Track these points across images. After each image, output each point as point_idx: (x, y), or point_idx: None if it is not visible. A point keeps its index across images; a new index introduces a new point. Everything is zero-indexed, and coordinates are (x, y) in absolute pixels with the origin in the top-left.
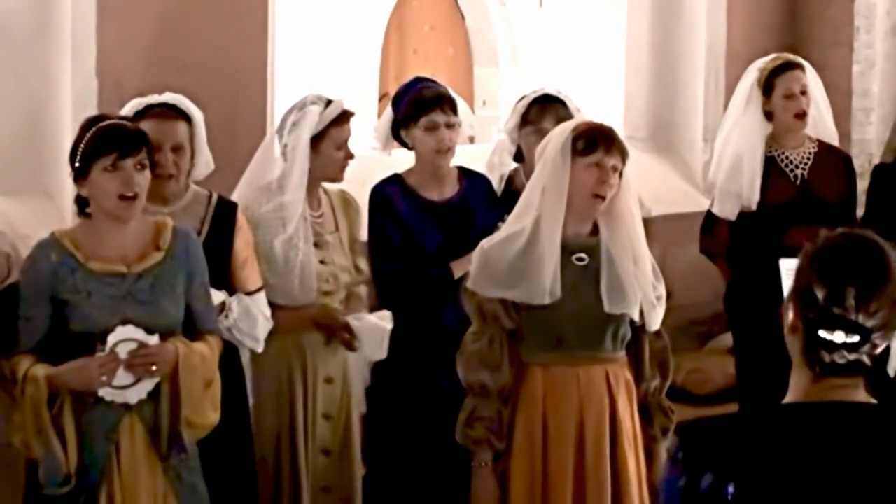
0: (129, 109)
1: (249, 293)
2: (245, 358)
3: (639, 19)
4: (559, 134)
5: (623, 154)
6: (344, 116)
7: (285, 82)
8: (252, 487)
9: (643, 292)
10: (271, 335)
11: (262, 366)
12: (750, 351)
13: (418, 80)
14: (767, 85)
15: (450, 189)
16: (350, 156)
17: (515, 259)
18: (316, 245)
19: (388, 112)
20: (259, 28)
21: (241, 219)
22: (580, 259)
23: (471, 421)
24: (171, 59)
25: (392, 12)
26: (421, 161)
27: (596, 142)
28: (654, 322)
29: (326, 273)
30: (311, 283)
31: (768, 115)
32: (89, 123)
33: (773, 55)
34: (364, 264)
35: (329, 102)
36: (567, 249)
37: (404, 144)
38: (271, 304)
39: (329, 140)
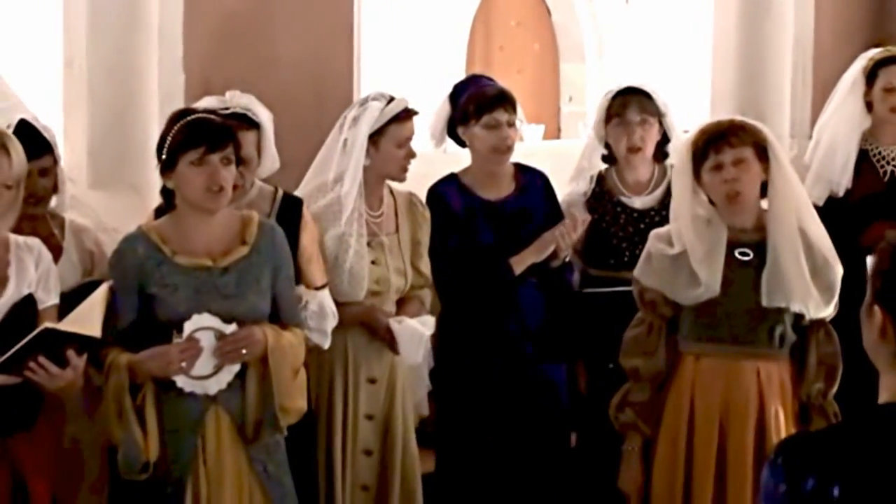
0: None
1: (316, 289)
2: None
3: (726, 14)
4: (682, 145)
5: (746, 143)
6: (405, 114)
7: (370, 79)
8: (314, 485)
9: (808, 286)
10: None
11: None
12: None
13: (476, 78)
14: (871, 75)
15: (506, 188)
16: (411, 155)
17: (674, 257)
18: (369, 245)
19: (445, 108)
20: (345, 24)
21: (307, 214)
22: (744, 254)
23: (622, 405)
24: (257, 54)
25: (478, 8)
26: (478, 159)
27: (706, 146)
28: (819, 312)
29: (377, 274)
30: (360, 281)
31: (868, 106)
32: (177, 117)
33: (886, 47)
34: (426, 268)
35: (392, 100)
36: (730, 245)
37: (459, 142)
38: None
39: (389, 137)
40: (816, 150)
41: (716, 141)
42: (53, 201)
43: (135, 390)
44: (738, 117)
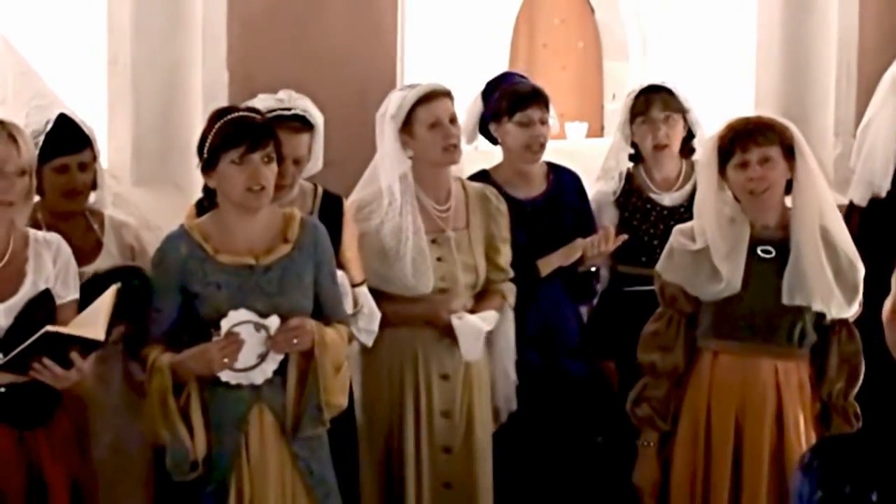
0: (260, 106)
1: (355, 286)
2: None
3: (769, 11)
4: (708, 140)
5: (773, 142)
6: (430, 96)
7: (414, 77)
8: (353, 482)
9: (831, 285)
10: (382, 327)
11: (373, 358)
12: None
13: (509, 74)
14: None
15: (538, 186)
16: (449, 135)
17: (696, 253)
18: (434, 241)
19: (477, 104)
20: (388, 22)
21: (348, 212)
22: (766, 251)
23: (639, 399)
24: (300, 52)
25: (521, 6)
26: (510, 157)
27: (733, 143)
28: (842, 312)
29: (442, 270)
30: (426, 274)
31: None
32: (217, 115)
33: None
34: (504, 262)
35: (417, 85)
36: (753, 242)
37: (490, 139)
38: (383, 294)
39: (418, 122)
40: (859, 152)
41: (743, 138)
42: (92, 197)
43: (178, 389)
44: (766, 115)
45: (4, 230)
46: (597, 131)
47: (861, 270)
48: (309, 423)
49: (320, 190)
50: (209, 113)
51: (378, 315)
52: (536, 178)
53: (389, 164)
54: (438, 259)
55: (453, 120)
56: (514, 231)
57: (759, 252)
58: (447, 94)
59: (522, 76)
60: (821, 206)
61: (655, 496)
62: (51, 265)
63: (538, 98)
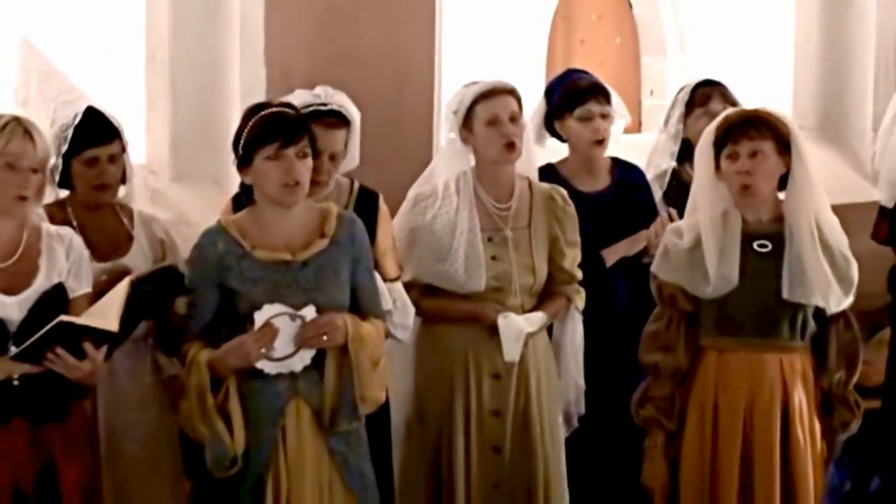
0: (297, 106)
1: (389, 281)
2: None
3: (808, 7)
4: (706, 133)
5: (766, 136)
6: (490, 93)
7: (452, 73)
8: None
9: (829, 280)
10: (433, 324)
11: (424, 356)
12: None
13: (571, 72)
14: None
15: (602, 181)
16: (508, 133)
17: (690, 249)
18: (490, 240)
19: (541, 104)
20: (426, 18)
21: (384, 207)
22: (762, 245)
23: (643, 401)
24: (338, 48)
25: (559, 2)
26: (575, 152)
27: (726, 134)
28: (840, 305)
29: (497, 269)
30: (478, 272)
31: None
32: (251, 112)
33: None
34: (569, 264)
35: (479, 82)
36: (748, 237)
37: (557, 136)
38: (435, 290)
39: (477, 118)
40: (882, 154)
41: (734, 130)
42: (122, 191)
43: (217, 385)
44: (765, 108)
45: (17, 224)
46: (634, 127)
47: (854, 264)
48: (344, 417)
49: (356, 185)
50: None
51: (412, 310)
52: (601, 173)
53: (448, 159)
54: (493, 258)
55: (514, 118)
56: (579, 224)
57: (755, 247)
58: (510, 92)
59: (585, 72)
60: (814, 202)
61: (665, 496)
62: (64, 259)
63: (597, 92)
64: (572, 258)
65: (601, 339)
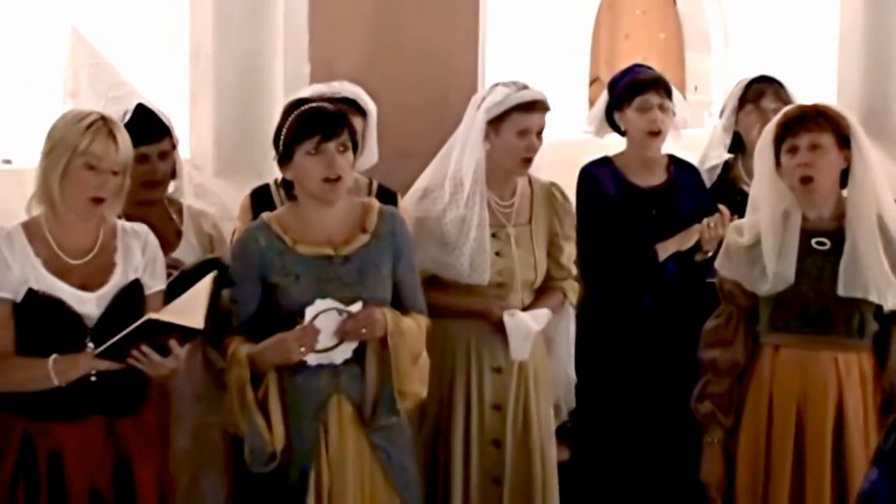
0: (310, 94)
1: None
2: None
3: (852, 2)
4: (767, 126)
5: (826, 129)
6: (532, 105)
7: (495, 70)
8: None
9: (888, 276)
10: (436, 318)
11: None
12: None
13: (636, 66)
14: None
15: (658, 176)
16: (532, 148)
17: (749, 247)
18: (494, 236)
19: (604, 96)
20: (470, 14)
21: (403, 206)
22: (821, 243)
23: (701, 396)
24: (381, 44)
25: None
26: (632, 144)
27: (786, 127)
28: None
29: (500, 265)
30: (482, 267)
31: None
32: (291, 108)
33: None
34: (567, 260)
35: (524, 88)
36: (807, 233)
37: (617, 130)
38: (439, 284)
39: (510, 123)
40: None
41: (794, 124)
42: (171, 187)
43: (258, 380)
44: (825, 103)
45: (95, 223)
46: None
47: None
48: (383, 411)
49: (375, 184)
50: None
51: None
52: (657, 168)
53: (468, 151)
54: (497, 254)
55: (539, 134)
56: (632, 218)
57: (813, 244)
58: (546, 109)
59: (649, 67)
60: (877, 198)
61: (722, 492)
62: (139, 255)
63: (657, 84)
64: (569, 253)
65: (652, 335)
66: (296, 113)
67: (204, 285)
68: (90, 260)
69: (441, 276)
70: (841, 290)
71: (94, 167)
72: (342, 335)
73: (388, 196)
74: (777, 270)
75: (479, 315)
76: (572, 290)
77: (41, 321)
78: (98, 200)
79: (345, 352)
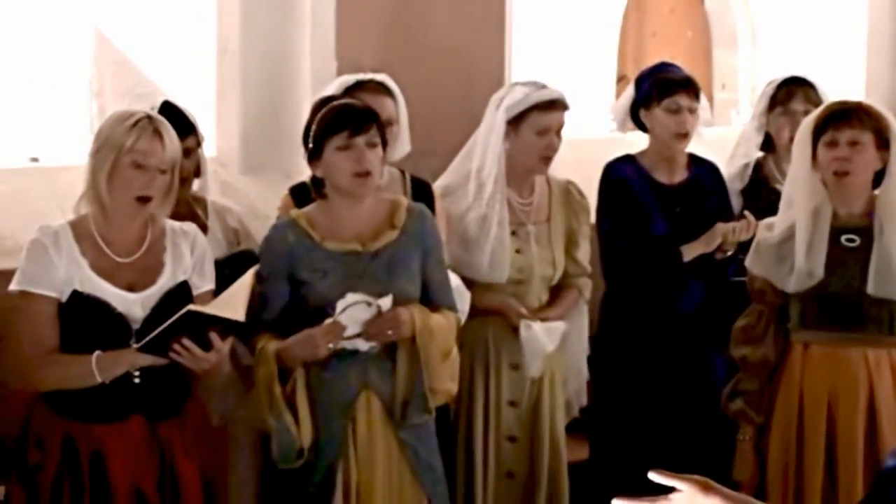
0: (338, 85)
1: None
2: None
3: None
4: (805, 122)
5: (867, 127)
6: (551, 104)
7: (521, 67)
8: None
9: None
10: None
11: None
12: None
13: (664, 64)
14: None
15: (680, 174)
16: (551, 147)
17: (779, 243)
18: (514, 234)
19: (630, 92)
20: (497, 11)
21: (438, 199)
22: (850, 240)
23: (733, 394)
24: (408, 42)
25: None
26: (656, 143)
27: (827, 121)
28: None
29: (520, 262)
30: (502, 264)
31: None
32: (319, 105)
33: None
34: (584, 257)
35: (543, 88)
36: (836, 230)
37: (640, 127)
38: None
39: (529, 123)
40: None
41: (836, 118)
42: (196, 184)
43: (286, 376)
44: (868, 102)
45: (143, 222)
46: (707, 121)
47: None
48: (415, 409)
49: (408, 176)
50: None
51: (468, 295)
52: (679, 166)
53: (489, 150)
54: (517, 251)
55: (559, 132)
56: (654, 216)
57: (843, 241)
58: (565, 108)
59: (678, 67)
60: None
61: (754, 489)
62: (188, 255)
63: (688, 86)
64: (585, 250)
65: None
66: (325, 109)
67: (247, 279)
68: (138, 259)
69: (461, 274)
70: (871, 290)
71: (140, 165)
72: (367, 337)
73: (421, 188)
74: (806, 267)
75: (497, 312)
76: (586, 287)
77: (86, 322)
78: (145, 199)
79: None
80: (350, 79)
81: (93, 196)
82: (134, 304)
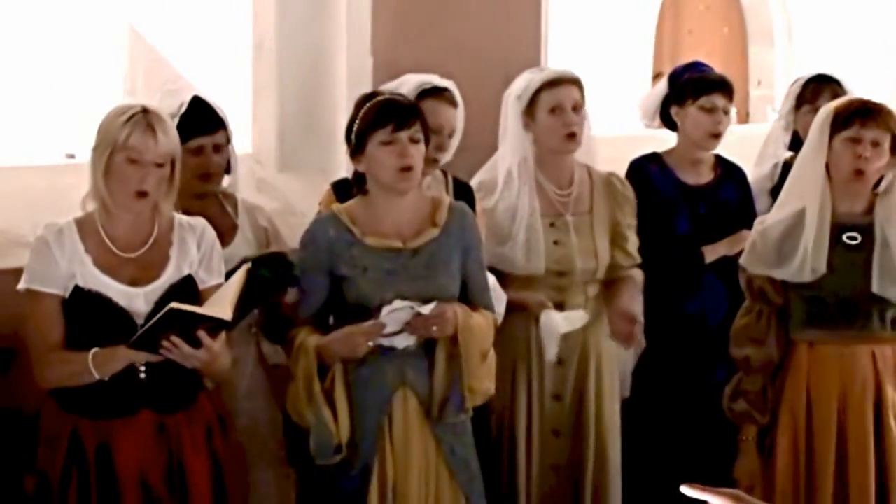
0: (413, 86)
1: None
2: None
3: None
4: (822, 112)
5: (888, 128)
6: (557, 81)
7: (558, 62)
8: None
9: None
10: None
11: None
12: None
13: (700, 63)
14: None
15: (706, 175)
16: (569, 123)
17: (781, 238)
18: (552, 225)
19: (662, 86)
20: (533, 8)
21: (478, 200)
22: (852, 238)
23: (735, 395)
24: (444, 38)
25: None
26: (685, 142)
27: (853, 116)
28: None
29: (559, 254)
30: (537, 255)
31: None
32: (363, 100)
33: None
34: (632, 247)
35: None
36: (837, 228)
37: (668, 124)
38: (498, 275)
39: (541, 105)
40: None
41: (864, 115)
42: (226, 181)
43: (323, 371)
44: (884, 104)
45: (148, 216)
46: (742, 117)
47: None
48: (452, 408)
49: (450, 177)
50: (353, 98)
51: (504, 298)
52: (705, 166)
53: (510, 144)
54: (555, 242)
55: (576, 108)
56: (678, 215)
57: (844, 239)
58: (574, 82)
59: (710, 66)
60: None
61: (761, 491)
62: (195, 250)
63: (725, 86)
64: (633, 241)
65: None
66: (368, 104)
67: (237, 278)
68: (143, 254)
69: (500, 269)
70: (876, 289)
71: (135, 161)
72: (411, 331)
73: (462, 188)
74: (812, 262)
75: (522, 306)
76: (640, 277)
77: (89, 317)
78: (142, 194)
79: (408, 338)
80: (426, 81)
81: (95, 192)
82: (136, 299)
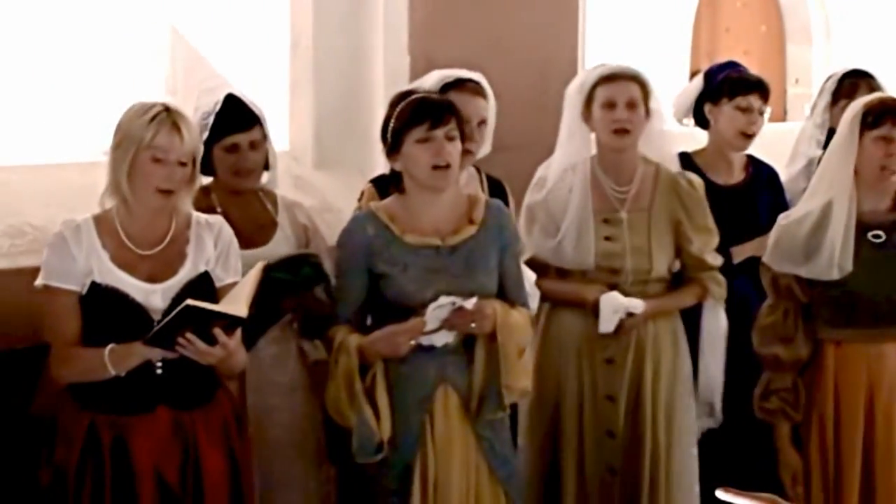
0: (436, 81)
1: None
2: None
3: None
4: (852, 108)
5: None
6: (613, 76)
7: (596, 61)
8: None
9: None
10: (549, 308)
11: (541, 338)
12: None
13: (736, 63)
14: None
15: (737, 175)
16: (620, 119)
17: (808, 236)
18: (605, 221)
19: (697, 83)
20: (570, 6)
21: (510, 196)
22: (877, 236)
23: (766, 394)
24: (482, 36)
25: None
26: (717, 141)
27: (884, 115)
28: None
29: (608, 249)
30: (587, 248)
31: None
32: (398, 99)
33: None
34: (698, 251)
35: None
36: (863, 226)
37: (699, 121)
38: (548, 269)
39: (597, 100)
40: None
41: (893, 114)
42: (265, 178)
43: (363, 369)
44: None
45: (167, 214)
46: (779, 116)
47: None
48: (490, 405)
49: (484, 174)
50: (390, 96)
51: (537, 294)
52: (737, 167)
53: (568, 138)
54: (607, 238)
55: (631, 104)
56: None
57: (869, 237)
58: (632, 78)
59: (746, 68)
60: None
61: (801, 483)
62: (212, 247)
63: (762, 88)
64: (702, 244)
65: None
66: (404, 102)
67: (252, 275)
68: (160, 251)
69: (551, 263)
70: None
71: (160, 160)
72: (450, 327)
73: (496, 186)
74: (837, 262)
75: (577, 299)
76: (715, 284)
77: (106, 313)
78: (167, 192)
79: (446, 335)
80: (449, 74)
81: (114, 190)
82: (153, 295)
